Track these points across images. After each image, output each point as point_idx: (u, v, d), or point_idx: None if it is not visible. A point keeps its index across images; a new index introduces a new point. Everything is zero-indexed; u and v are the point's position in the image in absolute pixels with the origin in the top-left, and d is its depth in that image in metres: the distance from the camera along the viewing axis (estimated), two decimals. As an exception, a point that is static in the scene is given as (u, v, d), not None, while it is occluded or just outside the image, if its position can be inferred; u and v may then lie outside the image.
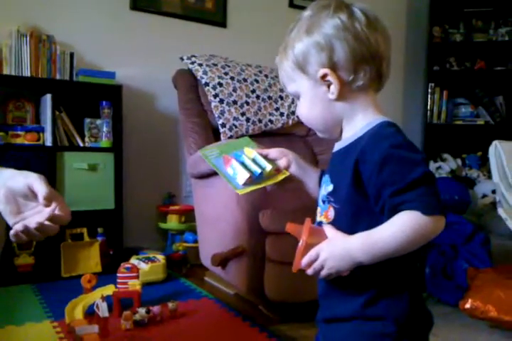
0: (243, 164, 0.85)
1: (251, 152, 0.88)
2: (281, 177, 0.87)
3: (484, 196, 3.01)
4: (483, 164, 3.45)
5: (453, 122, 3.67)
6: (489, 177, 3.08)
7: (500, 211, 2.07)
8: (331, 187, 0.79)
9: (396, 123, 0.78)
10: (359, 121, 0.79)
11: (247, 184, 0.83)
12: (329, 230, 0.74)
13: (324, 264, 0.72)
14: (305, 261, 0.73)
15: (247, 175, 0.83)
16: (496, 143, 2.14)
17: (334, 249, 0.72)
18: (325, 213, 0.81)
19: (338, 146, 0.83)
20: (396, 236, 0.67)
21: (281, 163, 0.88)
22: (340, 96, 0.78)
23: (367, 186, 0.73)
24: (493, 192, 2.84)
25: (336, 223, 0.77)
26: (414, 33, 3.78)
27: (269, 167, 0.85)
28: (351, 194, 0.75)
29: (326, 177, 0.82)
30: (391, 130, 0.75)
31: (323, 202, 0.82)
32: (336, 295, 0.80)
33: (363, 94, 0.80)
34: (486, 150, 2.21)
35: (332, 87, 0.78)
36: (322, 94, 0.80)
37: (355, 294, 0.76)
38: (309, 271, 0.74)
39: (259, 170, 0.84)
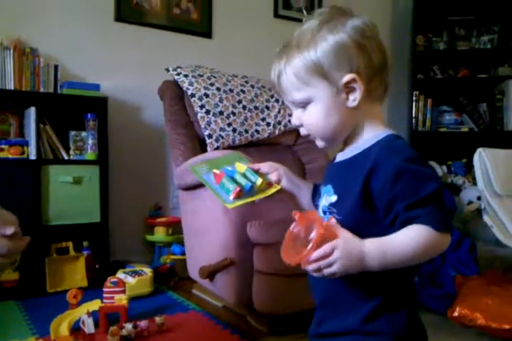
0: (233, 179, 0.84)
1: (242, 167, 0.87)
2: (272, 190, 0.85)
3: (470, 202, 3.03)
4: (469, 170, 3.48)
5: (438, 129, 3.70)
6: (474, 183, 3.10)
7: (486, 218, 2.09)
8: (334, 198, 0.78)
9: (401, 136, 0.79)
10: (366, 133, 0.79)
11: (237, 198, 0.81)
12: (342, 229, 0.71)
13: (335, 262, 0.68)
14: (318, 254, 0.67)
15: (236, 188, 0.81)
16: (480, 150, 2.16)
17: (351, 249, 0.68)
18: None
19: (341, 157, 0.83)
20: (408, 248, 0.68)
21: (273, 176, 0.87)
22: (358, 105, 0.77)
23: (376, 199, 0.72)
24: (479, 198, 2.86)
25: None
26: (398, 42, 3.82)
27: (259, 180, 0.84)
28: (357, 205, 0.74)
29: (328, 188, 0.80)
30: (401, 143, 0.76)
31: (324, 212, 0.80)
32: (336, 307, 0.79)
33: (374, 104, 0.80)
34: (470, 156, 2.23)
35: (355, 94, 0.76)
36: (341, 101, 0.77)
37: (355, 307, 0.76)
38: (312, 267, 0.69)
39: (249, 184, 0.83)
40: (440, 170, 3.51)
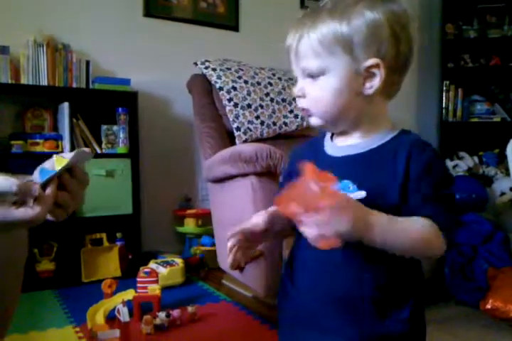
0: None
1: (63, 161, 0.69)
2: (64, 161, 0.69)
3: (502, 194, 2.97)
4: (501, 161, 3.40)
5: (469, 119, 3.63)
6: (507, 174, 3.04)
7: (519, 209, 2.05)
8: (361, 193, 0.71)
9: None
10: (380, 126, 0.76)
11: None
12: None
13: (345, 215, 0.60)
14: (326, 204, 0.59)
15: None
16: (513, 141, 2.11)
17: (360, 208, 0.64)
18: None
19: (352, 149, 0.76)
20: (412, 236, 0.67)
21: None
22: (371, 95, 0.72)
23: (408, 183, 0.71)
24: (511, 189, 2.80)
25: None
26: (427, 31, 3.75)
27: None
28: (400, 195, 0.70)
29: (346, 183, 0.72)
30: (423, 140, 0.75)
31: None
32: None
33: (385, 101, 0.76)
34: (503, 147, 2.19)
35: (374, 81, 0.71)
36: (357, 84, 0.72)
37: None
38: (322, 217, 0.59)
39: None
40: (471, 160, 3.45)
